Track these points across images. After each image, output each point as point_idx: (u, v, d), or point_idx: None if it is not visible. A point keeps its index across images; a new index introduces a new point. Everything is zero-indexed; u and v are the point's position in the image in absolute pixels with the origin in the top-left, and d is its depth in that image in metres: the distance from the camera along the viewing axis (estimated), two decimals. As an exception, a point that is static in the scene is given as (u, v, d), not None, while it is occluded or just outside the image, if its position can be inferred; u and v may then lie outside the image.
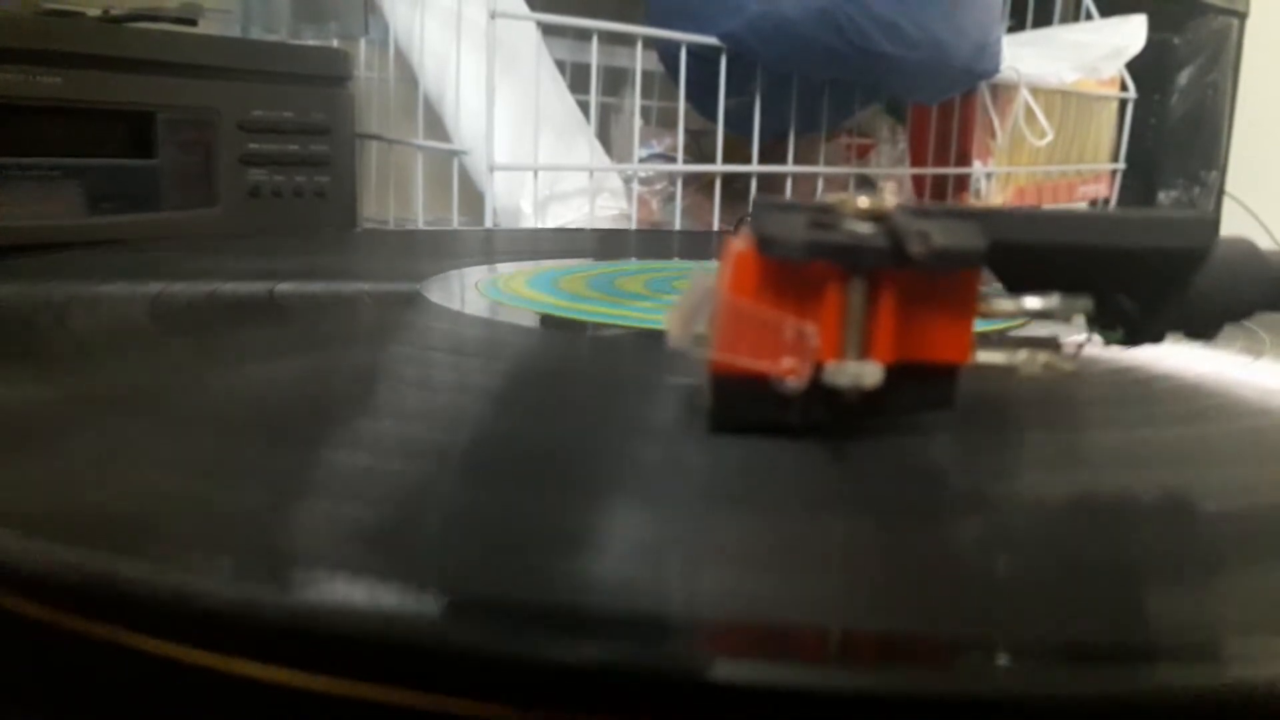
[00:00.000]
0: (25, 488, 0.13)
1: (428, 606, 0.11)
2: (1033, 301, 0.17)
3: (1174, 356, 0.23)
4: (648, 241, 0.49)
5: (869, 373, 0.16)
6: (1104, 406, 0.20)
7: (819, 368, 0.16)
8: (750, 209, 0.16)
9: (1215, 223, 0.18)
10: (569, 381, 0.21)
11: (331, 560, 0.11)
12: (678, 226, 0.65)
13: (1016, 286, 0.17)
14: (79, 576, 0.11)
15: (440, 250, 0.41)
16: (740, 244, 0.16)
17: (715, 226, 0.66)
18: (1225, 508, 0.15)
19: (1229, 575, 0.12)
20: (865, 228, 0.16)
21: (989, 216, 0.16)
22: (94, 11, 0.52)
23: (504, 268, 0.36)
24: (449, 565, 0.11)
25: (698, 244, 0.49)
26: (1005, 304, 0.17)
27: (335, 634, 0.10)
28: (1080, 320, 0.18)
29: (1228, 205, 1.16)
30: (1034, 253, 0.17)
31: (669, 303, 0.30)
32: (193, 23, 0.53)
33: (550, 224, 0.58)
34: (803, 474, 0.15)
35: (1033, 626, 0.11)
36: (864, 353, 0.16)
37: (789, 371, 0.16)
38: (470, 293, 0.30)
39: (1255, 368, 0.23)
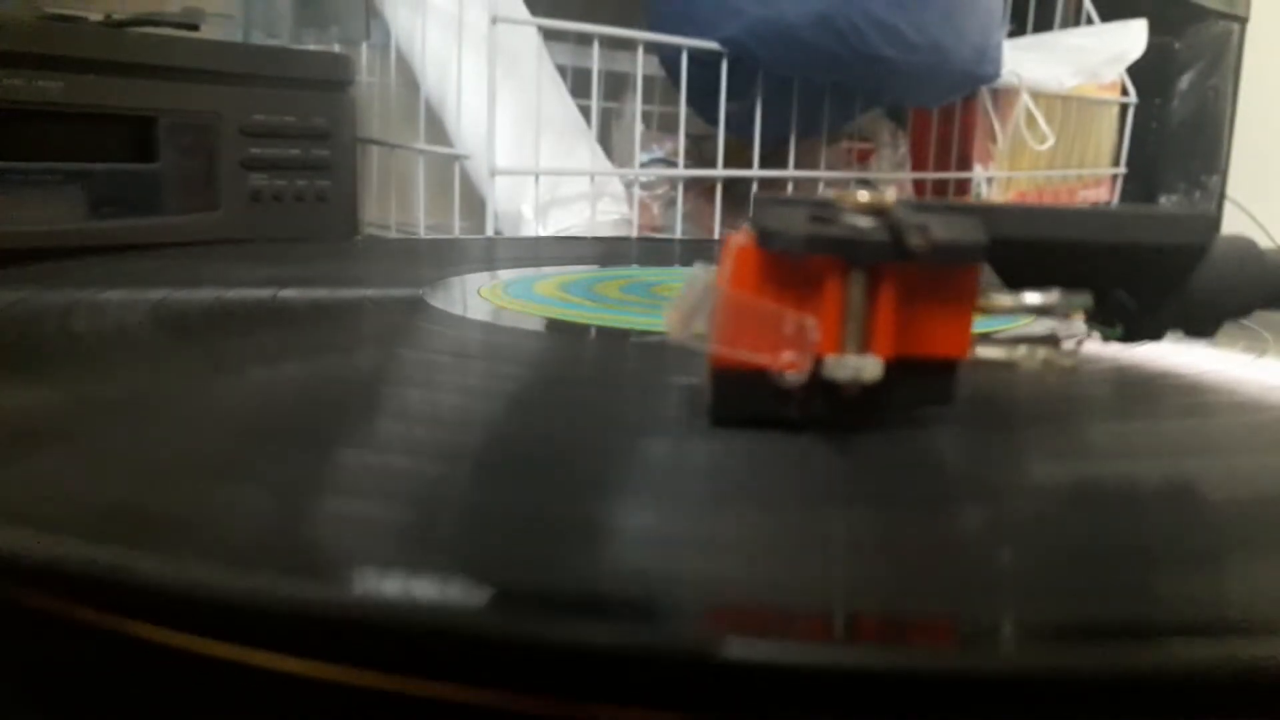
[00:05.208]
0: (37, 485, 0.13)
1: (450, 595, 0.11)
2: (1032, 297, 0.17)
3: (1174, 354, 0.23)
4: (647, 249, 0.49)
5: (869, 367, 0.16)
6: (1102, 402, 0.20)
7: (819, 362, 0.16)
8: (751, 211, 0.16)
9: (1214, 219, 0.18)
10: (572, 381, 0.21)
11: (349, 552, 0.11)
12: (679, 231, 0.65)
13: (1016, 282, 0.17)
14: (97, 570, 0.11)
15: (441, 257, 0.41)
16: (740, 238, 0.16)
17: (716, 231, 0.66)
18: (1228, 495, 0.15)
19: (1233, 558, 0.12)
20: (865, 222, 0.16)
21: (989, 212, 0.16)
22: (95, 16, 0.52)
23: (505, 274, 0.36)
24: (468, 556, 0.12)
25: (699, 252, 0.49)
26: (1004, 299, 0.17)
27: (351, 623, 0.10)
28: (1080, 316, 0.18)
29: (1228, 209, 1.16)
30: (1034, 248, 0.17)
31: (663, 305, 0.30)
32: (194, 27, 0.54)
33: (551, 228, 0.58)
34: (804, 466, 0.15)
35: (1039, 606, 0.11)
36: (864, 347, 0.16)
37: (789, 365, 0.16)
38: (472, 298, 0.30)
39: (1257, 365, 0.23)
